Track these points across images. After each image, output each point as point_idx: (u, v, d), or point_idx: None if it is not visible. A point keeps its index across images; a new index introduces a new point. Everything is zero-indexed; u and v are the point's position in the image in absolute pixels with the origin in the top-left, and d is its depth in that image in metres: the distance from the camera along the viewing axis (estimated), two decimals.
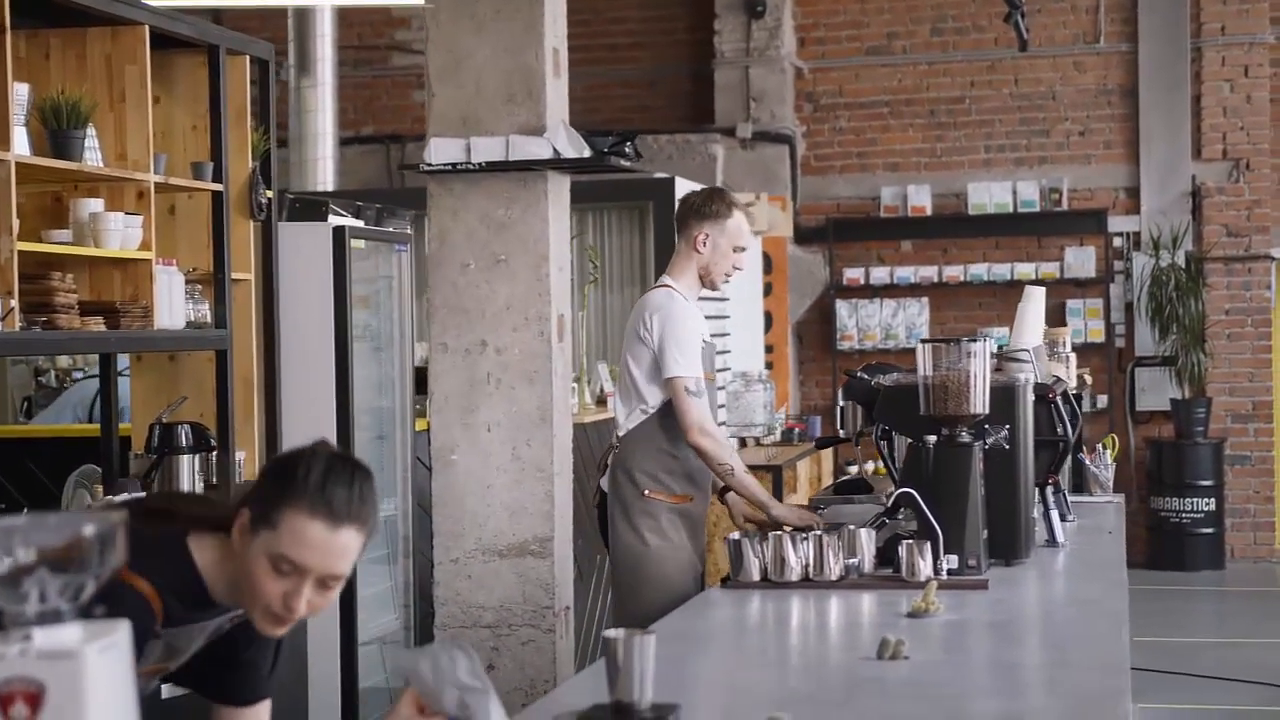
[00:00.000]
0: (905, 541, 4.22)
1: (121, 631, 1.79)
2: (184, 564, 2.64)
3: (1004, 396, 4.52)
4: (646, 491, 5.16)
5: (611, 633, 2.71)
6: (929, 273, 12.76)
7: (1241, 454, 12.52)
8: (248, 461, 5.79)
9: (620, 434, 5.26)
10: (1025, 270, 12.53)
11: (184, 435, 5.37)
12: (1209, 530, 12.21)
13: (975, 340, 4.40)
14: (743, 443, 10.33)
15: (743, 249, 5.33)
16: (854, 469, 12.32)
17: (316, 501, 2.54)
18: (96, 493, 5.44)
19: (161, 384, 5.67)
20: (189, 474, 5.37)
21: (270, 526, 2.55)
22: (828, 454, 11.14)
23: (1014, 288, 12.50)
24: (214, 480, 5.55)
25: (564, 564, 5.80)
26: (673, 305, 5.17)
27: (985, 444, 4.44)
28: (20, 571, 1.74)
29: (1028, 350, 5.16)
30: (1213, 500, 12.20)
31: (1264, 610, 11.12)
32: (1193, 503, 12.18)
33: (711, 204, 5.29)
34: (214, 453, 5.51)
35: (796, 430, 10.92)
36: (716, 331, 10.15)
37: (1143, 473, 12.54)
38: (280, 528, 2.54)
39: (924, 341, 4.45)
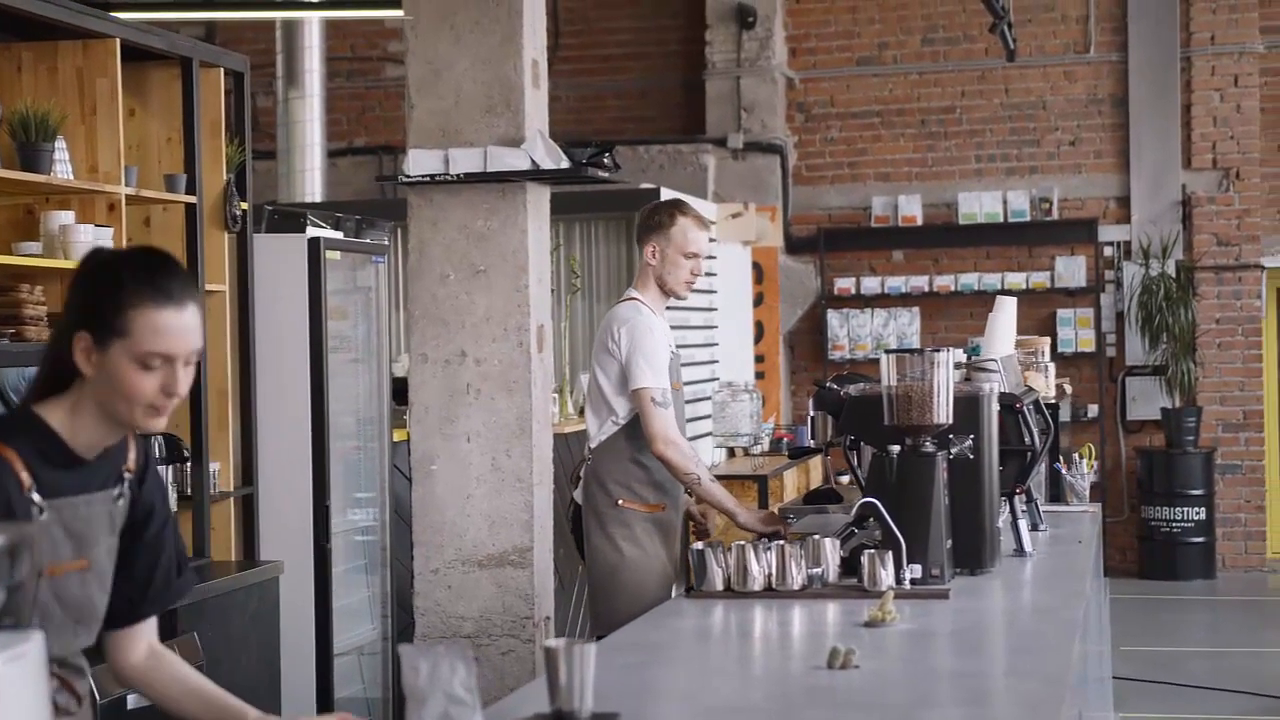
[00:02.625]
0: (868, 551, 4.24)
1: (33, 643, 1.80)
2: (37, 426, 2.69)
3: (968, 406, 4.53)
4: (620, 501, 5.25)
5: (551, 642, 2.74)
6: (920, 282, 12.78)
7: (1232, 463, 12.52)
8: (222, 472, 5.81)
9: (592, 445, 5.36)
10: (1016, 280, 12.54)
11: (158, 446, 5.39)
12: (1200, 539, 12.21)
13: (939, 350, 4.41)
14: (730, 452, 10.34)
15: (694, 255, 5.38)
16: (846, 479, 12.32)
17: (157, 296, 2.64)
18: None
19: None
20: None
21: (122, 335, 2.63)
22: (816, 464, 11.15)
23: (996, 298, 12.48)
24: (188, 491, 5.56)
25: (544, 574, 5.81)
26: (639, 318, 5.26)
27: (949, 454, 4.45)
28: None
29: (995, 360, 5.17)
30: (1203, 509, 12.20)
31: (1254, 619, 11.11)
32: (1183, 512, 12.17)
33: (655, 215, 5.41)
34: (188, 464, 5.52)
35: (785, 440, 10.92)
36: (705, 341, 10.18)
37: (1133, 482, 12.54)
38: (131, 333, 2.63)
39: (888, 352, 4.47)
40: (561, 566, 6.66)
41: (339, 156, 12.72)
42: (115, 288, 2.65)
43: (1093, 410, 12.50)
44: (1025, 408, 5.02)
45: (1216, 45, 12.51)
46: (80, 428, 2.70)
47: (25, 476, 2.63)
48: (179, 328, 2.65)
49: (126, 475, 2.80)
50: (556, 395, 7.98)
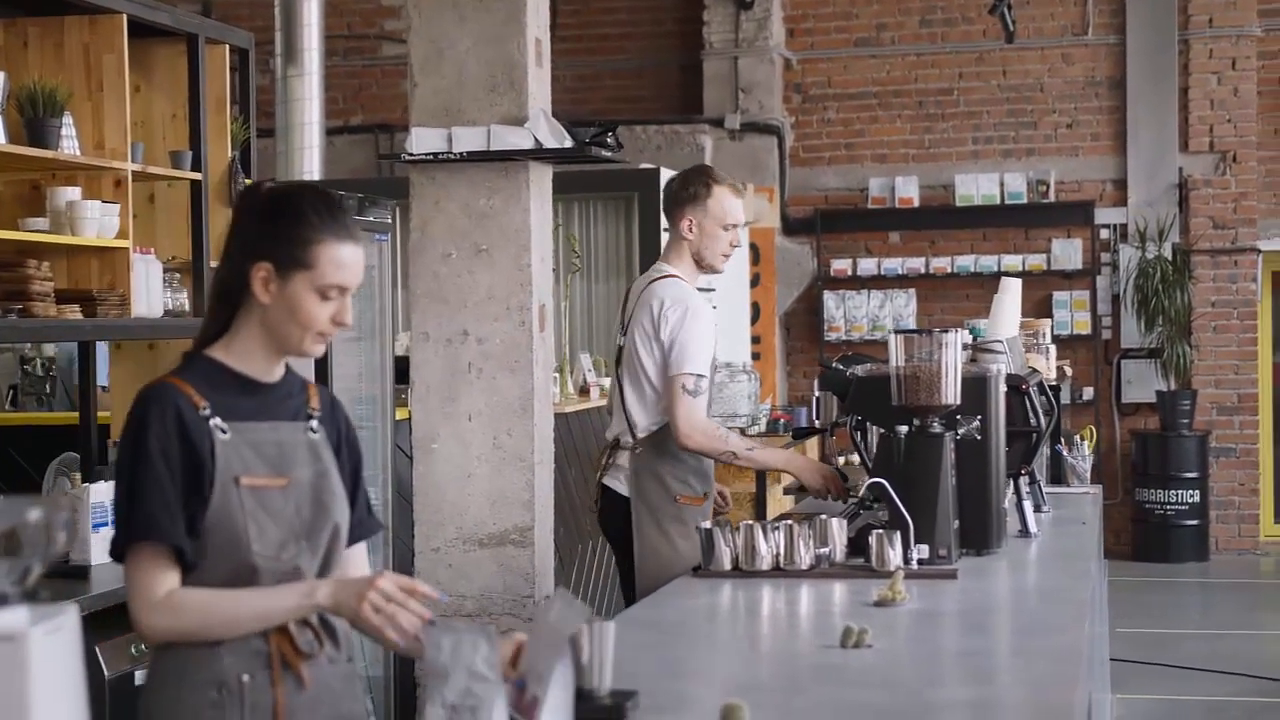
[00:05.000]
0: (875, 531, 4.24)
1: (68, 615, 1.81)
2: (204, 361, 2.87)
3: (976, 387, 4.53)
4: (679, 498, 5.07)
5: None
6: (916, 264, 12.78)
7: (1226, 446, 12.55)
8: None
9: (639, 435, 5.13)
10: (1012, 262, 12.55)
11: None
12: (1194, 522, 12.25)
13: (947, 331, 4.41)
14: None
15: (733, 225, 5.16)
16: (841, 459, 12.34)
17: (339, 231, 2.83)
18: (75, 480, 5.44)
19: (140, 372, 5.68)
20: None
21: (306, 267, 2.80)
22: (814, 444, 11.17)
23: (1001, 279, 12.50)
24: None
25: (545, 553, 5.81)
26: (691, 300, 5.05)
27: (957, 434, 4.45)
28: None
29: (1002, 341, 5.17)
30: (1197, 492, 12.23)
31: (1247, 602, 11.16)
32: (1178, 495, 12.21)
33: (689, 186, 5.17)
34: None
35: (783, 421, 10.93)
36: None
37: (1128, 464, 12.57)
38: (316, 266, 2.80)
39: (897, 332, 4.47)
40: (561, 546, 6.67)
41: (335, 135, 12.68)
42: (301, 222, 2.81)
43: (1088, 393, 12.52)
44: (1031, 389, 5.03)
45: (1214, 28, 12.52)
46: (245, 353, 2.85)
47: (199, 400, 2.79)
48: (356, 262, 2.84)
49: (313, 413, 2.94)
50: (556, 375, 7.98)
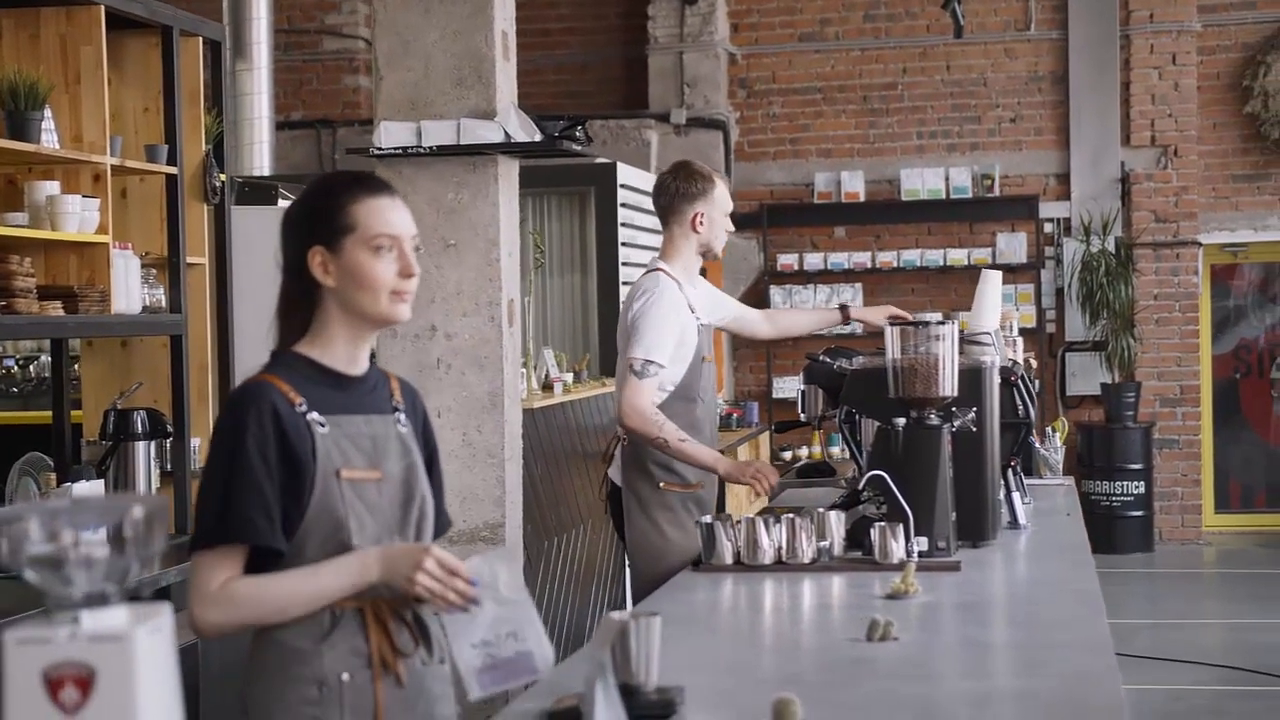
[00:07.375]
0: (878, 524, 4.24)
1: (165, 615, 1.77)
2: (293, 356, 2.86)
3: (971, 379, 4.54)
4: (661, 484, 5.13)
5: (618, 615, 2.71)
6: (862, 259, 12.82)
7: (1170, 438, 12.67)
8: (203, 448, 5.72)
9: (628, 425, 5.13)
10: (958, 256, 12.62)
11: (140, 422, 5.30)
12: (1138, 513, 12.36)
13: (944, 323, 4.41)
14: None
15: (730, 212, 5.36)
16: (787, 454, 12.37)
17: (366, 188, 2.86)
18: (47, 481, 5.35)
19: (113, 370, 5.60)
20: (144, 460, 5.30)
21: (350, 230, 2.82)
22: (765, 439, 11.19)
23: (946, 274, 12.60)
24: (169, 467, 5.48)
25: (514, 550, 5.79)
26: (657, 289, 5.12)
27: (953, 426, 4.45)
28: (67, 554, 1.72)
29: (989, 333, 5.18)
30: (1142, 483, 12.35)
31: (1193, 591, 11.28)
32: (1122, 486, 12.32)
33: (695, 183, 5.25)
34: (169, 439, 5.44)
35: (734, 416, 10.96)
36: None
37: (1073, 456, 12.65)
38: (359, 224, 2.82)
39: (893, 324, 4.46)
40: (529, 542, 6.63)
41: (276, 130, 12.55)
42: (330, 195, 2.85)
43: (1034, 385, 12.60)
44: (1018, 380, 5.05)
45: (1155, 23, 12.63)
46: (329, 345, 2.85)
47: (295, 396, 2.79)
48: (396, 210, 2.85)
49: (399, 406, 2.94)
50: (523, 371, 7.94)
